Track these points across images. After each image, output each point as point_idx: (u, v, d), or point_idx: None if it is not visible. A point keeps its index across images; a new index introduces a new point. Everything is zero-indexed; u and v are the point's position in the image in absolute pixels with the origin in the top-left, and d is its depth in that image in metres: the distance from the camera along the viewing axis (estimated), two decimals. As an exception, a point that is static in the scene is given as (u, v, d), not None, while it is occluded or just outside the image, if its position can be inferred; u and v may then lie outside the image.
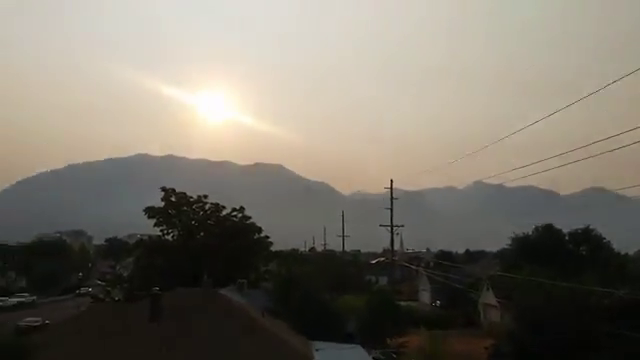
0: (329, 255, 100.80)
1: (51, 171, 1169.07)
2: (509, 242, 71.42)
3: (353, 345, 33.74)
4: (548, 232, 68.17)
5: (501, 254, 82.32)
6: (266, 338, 28.10)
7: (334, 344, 32.89)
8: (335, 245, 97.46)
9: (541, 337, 32.11)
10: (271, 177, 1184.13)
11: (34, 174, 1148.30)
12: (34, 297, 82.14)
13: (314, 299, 40.76)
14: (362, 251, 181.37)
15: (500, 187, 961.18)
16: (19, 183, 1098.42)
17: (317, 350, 29.55)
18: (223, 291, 40.68)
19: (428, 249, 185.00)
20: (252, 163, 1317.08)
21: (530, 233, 69.44)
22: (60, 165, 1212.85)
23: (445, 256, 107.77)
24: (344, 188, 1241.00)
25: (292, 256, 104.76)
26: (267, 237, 66.26)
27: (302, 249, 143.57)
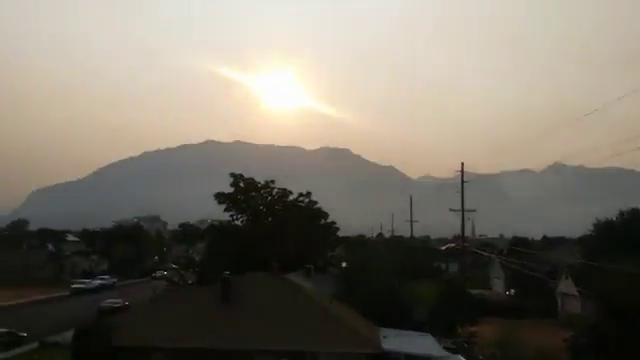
0: (397, 241, 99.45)
1: (130, 158, 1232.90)
2: (591, 228, 67.26)
3: (423, 333, 32.82)
4: (635, 217, 63.43)
5: (582, 241, 77.69)
6: (333, 323, 27.86)
7: (403, 331, 32.15)
8: (403, 231, 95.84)
9: (626, 330, 29.77)
10: (338, 161, 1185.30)
11: (112, 162, 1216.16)
12: (114, 279, 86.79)
13: (382, 285, 40.11)
14: (432, 237, 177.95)
15: (580, 169, 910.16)
16: (100, 170, 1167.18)
17: (385, 337, 28.94)
18: (291, 276, 40.90)
19: (501, 235, 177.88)
20: (319, 147, 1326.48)
21: (614, 218, 65.03)
22: (137, 152, 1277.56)
23: (520, 242, 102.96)
24: (412, 172, 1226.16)
25: (359, 242, 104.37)
26: (334, 223, 66.25)
27: (369, 235, 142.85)
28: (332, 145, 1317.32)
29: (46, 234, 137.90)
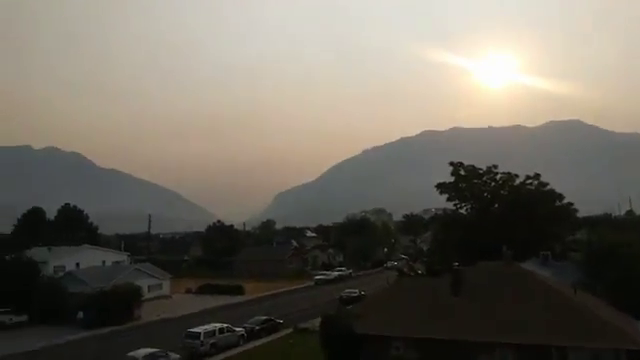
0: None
1: (353, 157, 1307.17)
2: None
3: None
4: None
5: None
6: (580, 315, 25.27)
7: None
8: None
9: None
10: (567, 135, 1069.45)
11: (338, 162, 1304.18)
12: (350, 270, 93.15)
13: (638, 272, 34.88)
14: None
15: None
16: (329, 170, 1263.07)
17: (648, 332, 25.15)
18: (525, 264, 38.48)
19: None
20: (543, 123, 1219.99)
21: None
22: (357, 151, 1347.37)
23: None
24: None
25: (605, 222, 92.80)
26: (570, 204, 60.28)
27: (615, 213, 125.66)
28: (559, 118, 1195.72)
29: (289, 232, 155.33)
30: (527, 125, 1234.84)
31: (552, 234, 56.43)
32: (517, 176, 61.42)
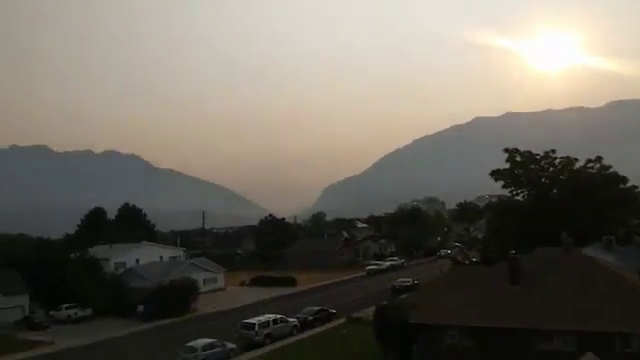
0: None
1: (403, 146, 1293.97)
2: None
3: None
4: None
5: None
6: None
7: None
8: None
9: None
10: (635, 115, 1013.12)
11: (388, 152, 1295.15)
12: (402, 260, 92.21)
13: None
14: None
15: None
16: (379, 161, 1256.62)
17: None
18: (586, 250, 36.77)
19: None
20: (605, 104, 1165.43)
21: None
22: (408, 141, 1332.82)
23: None
24: None
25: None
26: (635, 187, 57.48)
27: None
28: (624, 98, 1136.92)
29: (340, 223, 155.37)
30: (589, 106, 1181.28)
31: (615, 218, 53.81)
32: (577, 160, 58.92)
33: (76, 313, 51.52)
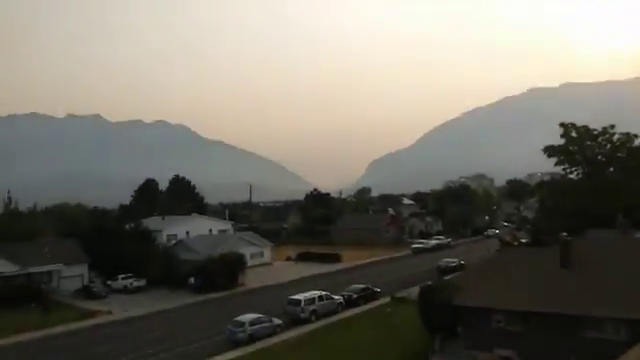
0: None
1: (452, 119, 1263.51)
2: None
3: None
4: None
5: None
6: None
7: None
8: None
9: None
10: None
11: (434, 126, 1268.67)
12: (449, 239, 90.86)
13: None
14: None
15: None
16: (425, 136, 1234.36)
17: None
18: (645, 234, 35.24)
19: None
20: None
21: None
22: (455, 114, 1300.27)
23: None
24: None
25: None
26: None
27: None
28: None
29: (386, 199, 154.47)
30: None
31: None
32: (637, 136, 56.07)
33: (132, 283, 53.73)
